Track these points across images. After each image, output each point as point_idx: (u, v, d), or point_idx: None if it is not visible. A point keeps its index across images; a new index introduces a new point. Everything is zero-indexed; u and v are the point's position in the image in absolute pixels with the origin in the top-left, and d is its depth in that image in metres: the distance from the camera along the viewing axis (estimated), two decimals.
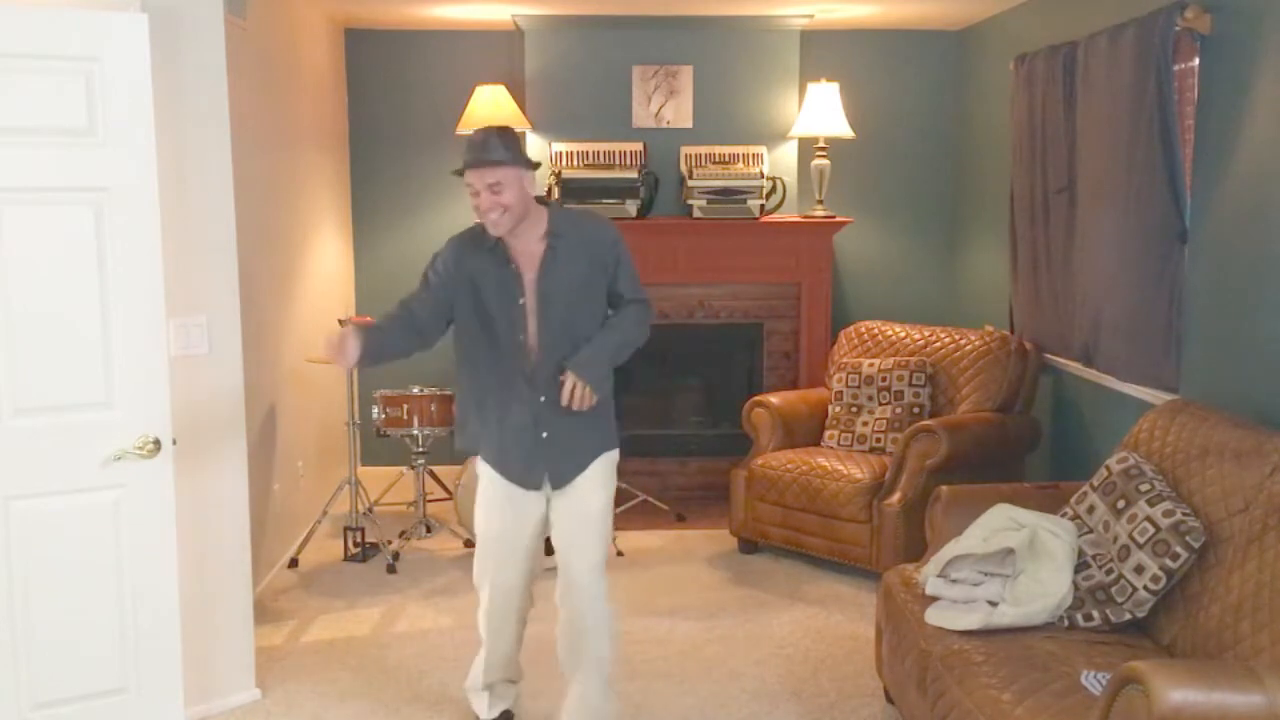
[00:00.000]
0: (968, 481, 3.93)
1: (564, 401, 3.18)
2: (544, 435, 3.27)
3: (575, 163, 5.96)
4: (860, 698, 3.80)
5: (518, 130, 5.99)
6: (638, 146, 6.01)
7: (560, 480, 3.31)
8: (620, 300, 3.38)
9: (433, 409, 5.18)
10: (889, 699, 3.67)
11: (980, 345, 5.15)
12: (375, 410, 5.20)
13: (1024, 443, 4.96)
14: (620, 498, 5.65)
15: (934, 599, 3.30)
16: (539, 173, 6.02)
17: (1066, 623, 3.13)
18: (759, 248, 5.96)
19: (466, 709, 3.70)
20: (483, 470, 3.39)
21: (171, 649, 3.20)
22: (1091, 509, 3.35)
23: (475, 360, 3.32)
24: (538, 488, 3.32)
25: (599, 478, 3.35)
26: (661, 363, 6.30)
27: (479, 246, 3.27)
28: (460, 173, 3.21)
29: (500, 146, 3.14)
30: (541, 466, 3.30)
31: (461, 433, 3.46)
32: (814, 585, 4.86)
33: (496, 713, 3.57)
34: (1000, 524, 3.34)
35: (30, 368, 2.95)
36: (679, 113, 6.12)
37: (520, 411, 3.27)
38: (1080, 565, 3.21)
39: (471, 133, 3.23)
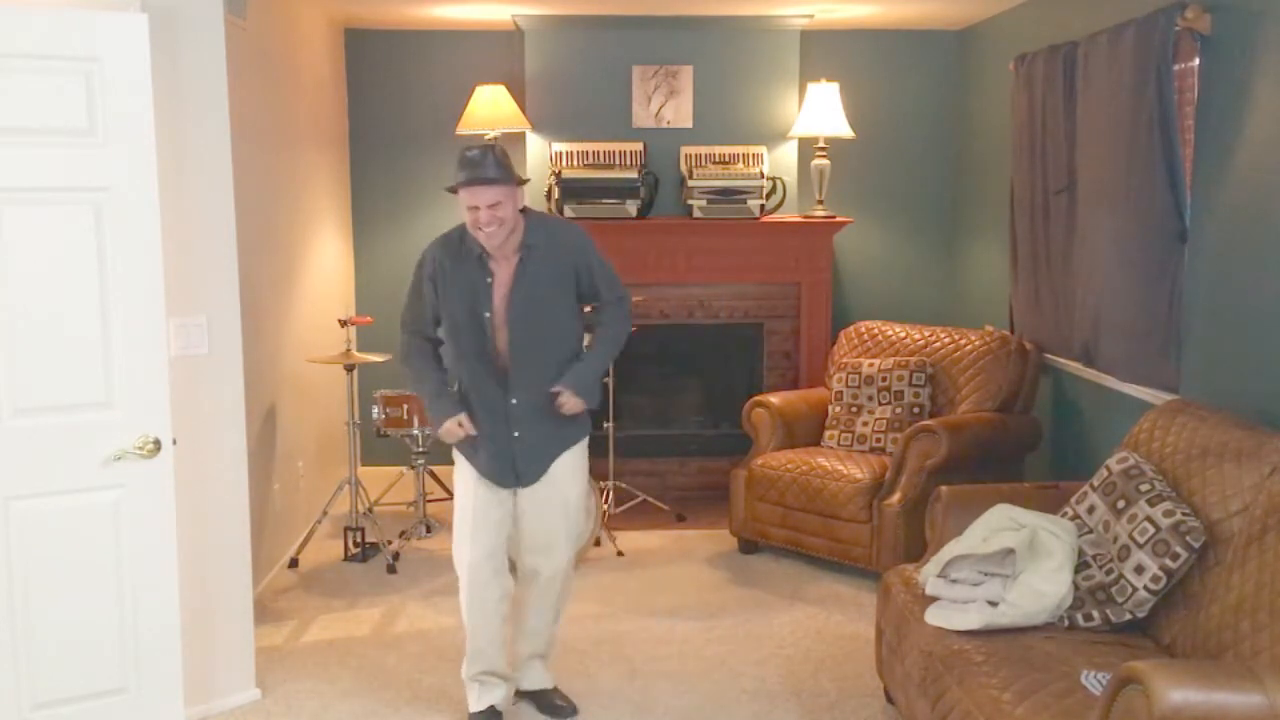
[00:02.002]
0: (968, 481, 3.93)
1: (563, 412, 3.41)
2: (515, 435, 3.43)
3: (575, 163, 5.96)
4: (860, 698, 3.80)
5: (505, 143, 6.01)
6: (638, 146, 6.01)
7: (530, 478, 3.47)
8: (599, 298, 3.53)
9: None
10: (889, 699, 3.67)
11: (980, 345, 5.15)
12: (375, 410, 5.20)
13: (1024, 443, 4.96)
14: (620, 498, 5.67)
15: (934, 599, 3.30)
16: (539, 174, 6.07)
17: (1066, 623, 3.13)
18: (759, 248, 5.96)
19: (463, 709, 3.70)
20: (458, 457, 3.51)
21: (171, 649, 3.20)
22: (1091, 509, 3.35)
23: (455, 356, 3.46)
24: (509, 486, 3.47)
25: (569, 468, 3.52)
26: (661, 363, 6.30)
27: (461, 253, 3.42)
28: (454, 190, 3.33)
29: (495, 165, 3.29)
30: (510, 467, 3.45)
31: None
32: (814, 585, 4.86)
33: (483, 706, 3.59)
34: (1000, 524, 3.34)
35: (30, 368, 2.95)
36: (679, 113, 6.12)
37: (492, 412, 3.42)
38: (1080, 565, 3.21)
39: (466, 151, 3.36)
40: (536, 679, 3.72)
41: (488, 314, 3.38)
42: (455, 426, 3.38)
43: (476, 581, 3.50)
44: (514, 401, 3.40)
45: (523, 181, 3.38)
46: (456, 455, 3.52)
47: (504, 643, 3.61)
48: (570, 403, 3.41)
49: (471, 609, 3.54)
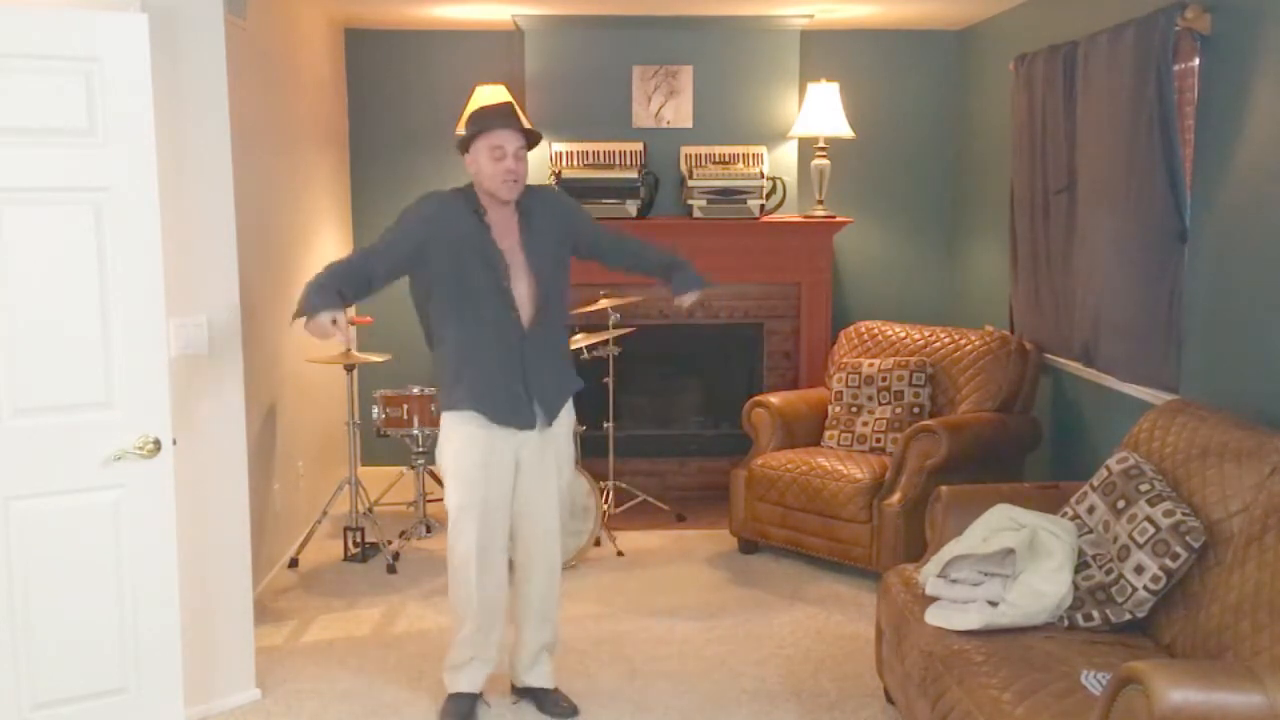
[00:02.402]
0: (968, 481, 3.93)
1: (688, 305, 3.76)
2: (529, 374, 3.44)
3: (575, 163, 5.96)
4: (860, 698, 3.80)
5: None
6: (638, 146, 6.01)
7: (548, 415, 3.48)
8: (609, 245, 3.69)
9: (433, 409, 5.17)
10: (889, 699, 3.67)
11: (980, 345, 5.15)
12: (375, 410, 5.20)
13: (1024, 443, 4.97)
14: (620, 498, 5.67)
15: (934, 599, 3.30)
16: (539, 174, 6.07)
17: (1066, 623, 3.13)
18: (759, 248, 5.96)
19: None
20: (461, 427, 3.44)
21: (171, 649, 3.20)
22: (1091, 509, 3.35)
23: (462, 316, 3.42)
24: (532, 425, 3.45)
25: (567, 426, 3.60)
26: (661, 363, 6.30)
27: (459, 211, 3.42)
28: (473, 137, 3.36)
29: (521, 120, 3.38)
30: (527, 406, 3.44)
31: (450, 392, 3.47)
32: (814, 585, 4.86)
33: (477, 688, 3.61)
34: (1000, 524, 3.34)
35: (30, 368, 2.95)
36: (679, 113, 6.12)
37: (509, 358, 3.42)
38: (1080, 565, 3.21)
39: (484, 108, 3.45)
40: (542, 675, 3.70)
41: (504, 265, 3.39)
42: (329, 321, 3.21)
43: (486, 560, 3.46)
44: (528, 344, 3.42)
45: (532, 145, 3.45)
46: (459, 423, 3.44)
47: (503, 627, 3.62)
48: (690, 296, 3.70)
49: (483, 585, 3.48)
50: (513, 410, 3.42)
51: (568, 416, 3.59)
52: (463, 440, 3.44)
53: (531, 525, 3.57)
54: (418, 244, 3.41)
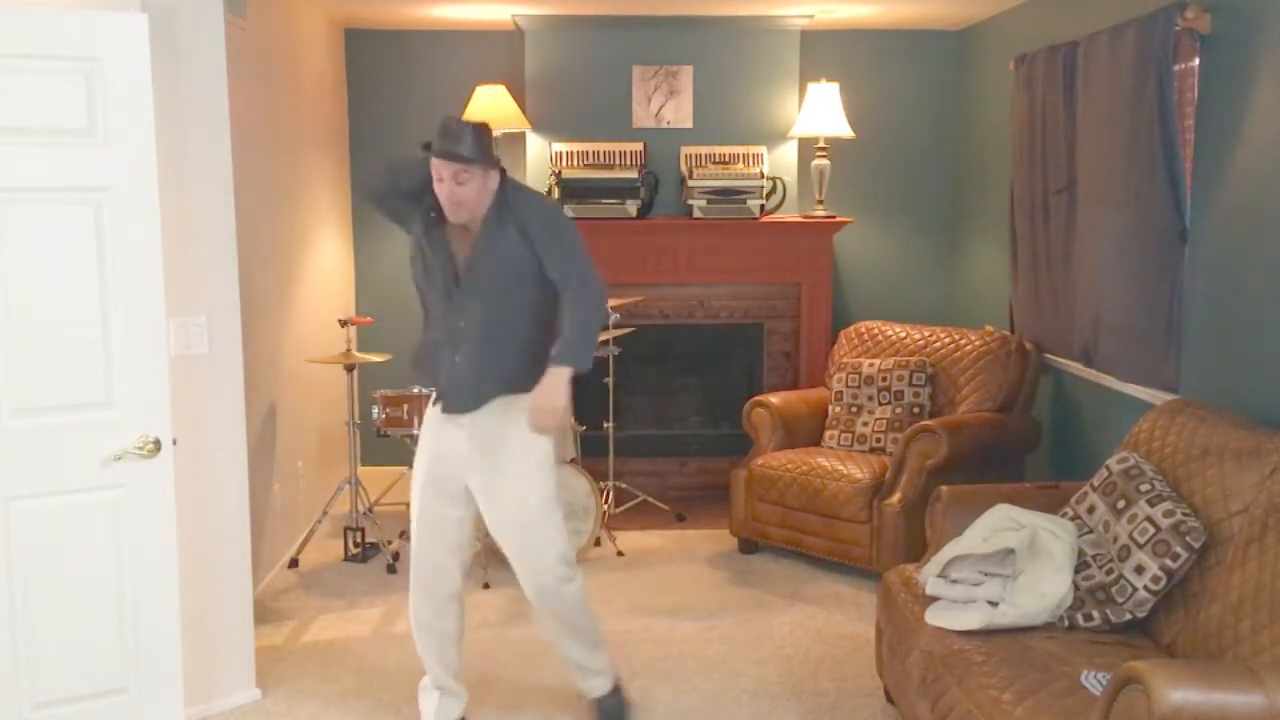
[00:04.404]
0: (968, 481, 3.93)
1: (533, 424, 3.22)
2: (456, 359, 3.30)
3: (575, 163, 5.96)
4: (860, 698, 3.80)
5: (506, 143, 6.00)
6: (638, 146, 6.01)
7: (470, 402, 3.30)
8: (551, 275, 3.25)
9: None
10: (889, 699, 3.67)
11: (980, 345, 5.15)
12: (375, 410, 5.20)
13: (1024, 443, 4.96)
14: (620, 498, 5.67)
15: (934, 599, 3.30)
16: (539, 174, 6.07)
17: (1066, 623, 3.13)
18: (759, 248, 5.96)
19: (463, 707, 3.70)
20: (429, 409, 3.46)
21: (171, 649, 3.20)
22: (1092, 509, 3.35)
23: (425, 305, 3.40)
24: (460, 410, 3.32)
25: (521, 446, 3.33)
26: (661, 363, 6.30)
27: (430, 211, 3.32)
28: (427, 148, 3.20)
29: (473, 144, 3.14)
30: (456, 389, 3.32)
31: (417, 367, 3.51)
32: (814, 585, 4.86)
33: None
34: (1000, 524, 3.34)
35: (30, 368, 2.95)
36: (679, 113, 6.12)
37: (450, 348, 3.33)
38: (1080, 565, 3.21)
39: (450, 119, 3.20)
40: (602, 681, 3.61)
41: (452, 276, 3.28)
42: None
43: (421, 568, 3.43)
44: (456, 359, 3.28)
45: (498, 165, 3.24)
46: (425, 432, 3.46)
47: (457, 653, 3.52)
48: (539, 416, 3.18)
49: (419, 602, 3.44)
50: (445, 392, 3.34)
51: (514, 429, 3.28)
52: (421, 439, 3.49)
53: (504, 544, 3.42)
54: (416, 188, 3.29)
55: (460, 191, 3.16)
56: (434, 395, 3.44)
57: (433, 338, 3.37)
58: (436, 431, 3.41)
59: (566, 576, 3.37)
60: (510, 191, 3.29)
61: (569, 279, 3.23)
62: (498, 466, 3.33)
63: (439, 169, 3.17)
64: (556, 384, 3.15)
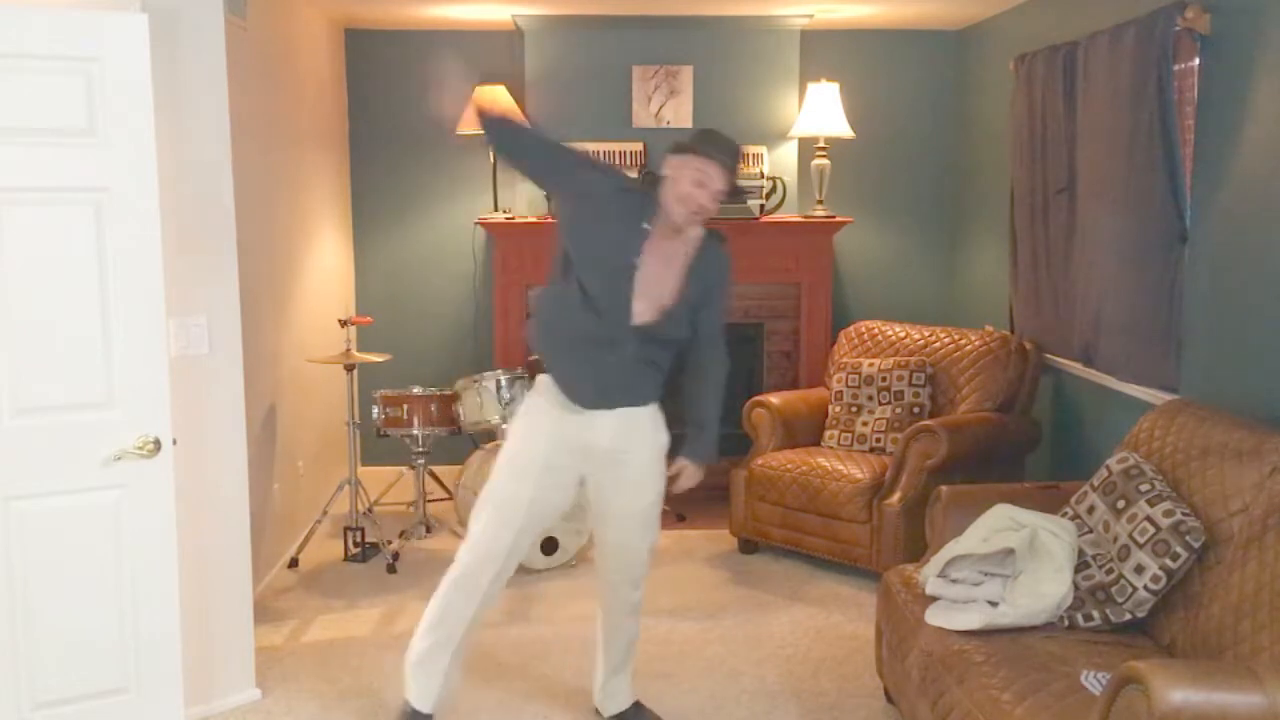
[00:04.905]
0: (968, 481, 3.93)
1: (678, 486, 3.40)
2: (611, 380, 3.27)
3: None
4: (860, 698, 3.80)
5: None
6: (638, 146, 6.01)
7: (613, 402, 3.29)
8: (706, 331, 3.32)
9: (433, 409, 5.18)
10: (889, 699, 3.67)
11: (980, 345, 5.15)
12: (375, 410, 5.21)
13: (1024, 443, 4.96)
14: None
15: (934, 599, 3.30)
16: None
17: (1066, 623, 3.13)
18: (759, 248, 5.96)
19: (463, 710, 3.70)
20: (537, 399, 3.33)
21: (171, 649, 3.20)
22: (1091, 509, 3.35)
23: (570, 297, 3.21)
24: (590, 406, 3.27)
25: (657, 449, 3.43)
26: None
27: (631, 208, 3.17)
28: (692, 150, 3.09)
29: (738, 167, 3.18)
30: (592, 388, 3.26)
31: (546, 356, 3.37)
32: (814, 585, 4.86)
33: (431, 708, 3.44)
34: (1000, 524, 3.34)
35: (30, 368, 2.95)
36: (679, 113, 6.12)
37: (590, 350, 3.24)
38: (1080, 565, 3.21)
39: (710, 130, 3.19)
40: (626, 695, 3.61)
41: (634, 260, 3.14)
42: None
43: (501, 553, 3.31)
44: (612, 360, 3.21)
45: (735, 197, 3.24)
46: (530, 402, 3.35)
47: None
48: (688, 477, 3.40)
49: (486, 583, 3.33)
50: (596, 389, 3.25)
51: (656, 433, 3.38)
52: (531, 422, 3.32)
53: (618, 532, 3.43)
54: (582, 188, 3.20)
55: (712, 206, 3.11)
56: (554, 385, 3.27)
57: (583, 329, 3.20)
58: (558, 422, 3.27)
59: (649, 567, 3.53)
60: (717, 234, 3.32)
61: (716, 339, 3.38)
62: (635, 464, 3.34)
63: (706, 172, 3.07)
64: (702, 468, 3.43)
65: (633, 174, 5.85)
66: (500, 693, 3.85)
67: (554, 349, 3.32)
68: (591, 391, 3.25)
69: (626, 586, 3.50)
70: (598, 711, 3.65)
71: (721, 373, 3.42)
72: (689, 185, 3.09)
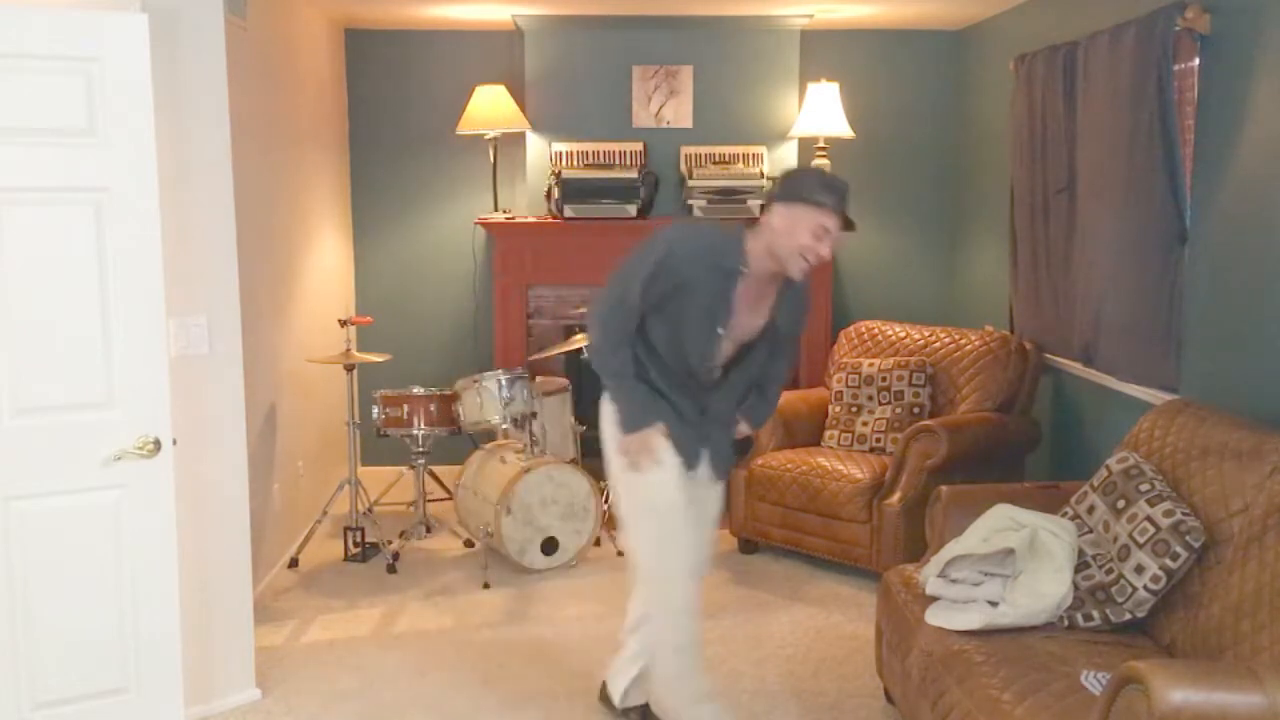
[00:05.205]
0: (968, 481, 3.93)
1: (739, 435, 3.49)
2: (703, 432, 3.36)
3: (575, 163, 5.97)
4: (860, 698, 3.80)
5: (504, 143, 5.99)
6: (638, 146, 6.01)
7: (703, 462, 3.39)
8: (775, 352, 3.41)
9: (433, 409, 5.18)
10: (889, 699, 3.67)
11: (980, 345, 5.15)
12: (375, 410, 5.20)
13: (1024, 443, 4.96)
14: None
15: (934, 599, 3.30)
16: (539, 174, 6.07)
17: (1066, 623, 3.12)
18: None
19: (463, 710, 3.70)
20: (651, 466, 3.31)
21: (171, 649, 3.20)
22: (1091, 509, 3.35)
23: (658, 355, 3.25)
24: (693, 468, 3.35)
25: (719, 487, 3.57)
26: None
27: (717, 261, 3.13)
28: (808, 200, 3.02)
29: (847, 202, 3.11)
30: (694, 451, 3.34)
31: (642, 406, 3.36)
32: (814, 585, 4.85)
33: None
34: (1000, 524, 3.34)
35: (30, 368, 2.95)
36: (679, 113, 6.12)
37: (685, 407, 3.31)
38: (1080, 565, 3.21)
39: (834, 177, 3.11)
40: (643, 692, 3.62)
41: (721, 330, 3.17)
42: (658, 435, 3.23)
43: (690, 586, 3.35)
44: (706, 411, 3.33)
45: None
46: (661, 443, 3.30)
47: None
48: (744, 429, 3.50)
49: (692, 613, 3.36)
50: (685, 454, 3.32)
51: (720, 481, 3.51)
52: (656, 472, 3.28)
53: (706, 533, 3.54)
54: (676, 284, 3.12)
55: (831, 249, 3.07)
56: (642, 418, 3.28)
57: (682, 371, 3.25)
58: (687, 501, 3.35)
59: None
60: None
61: (792, 352, 3.55)
62: (718, 478, 3.48)
63: (826, 224, 3.02)
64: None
65: (633, 174, 5.86)
66: (500, 693, 3.85)
67: (645, 394, 3.30)
68: (710, 422, 3.36)
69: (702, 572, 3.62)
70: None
71: (786, 373, 3.56)
72: (809, 238, 3.03)
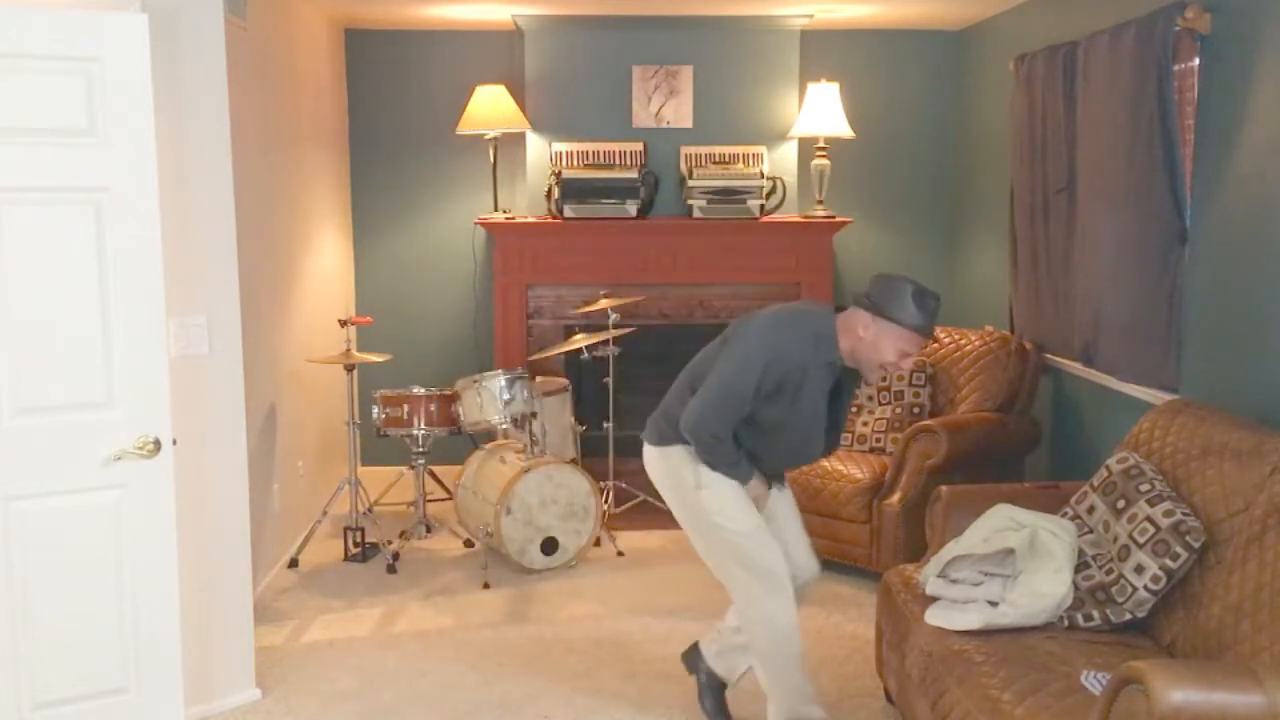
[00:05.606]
0: (968, 481, 3.93)
1: None
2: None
3: (575, 163, 5.97)
4: (860, 697, 3.80)
5: (504, 143, 5.99)
6: (638, 146, 6.01)
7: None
8: (842, 384, 3.48)
9: (433, 409, 5.17)
10: (889, 699, 3.67)
11: (980, 345, 5.15)
12: (375, 410, 5.20)
13: (1024, 443, 4.96)
14: (620, 497, 5.67)
15: (934, 599, 3.30)
16: (539, 174, 6.07)
17: (1066, 623, 3.12)
18: (759, 248, 5.96)
19: (463, 710, 3.70)
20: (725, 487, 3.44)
21: (171, 649, 3.20)
22: (1091, 509, 3.35)
23: (761, 436, 3.36)
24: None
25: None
26: (661, 363, 6.28)
27: (821, 359, 3.24)
28: (903, 323, 3.13)
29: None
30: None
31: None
32: (814, 585, 4.84)
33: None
34: (1000, 524, 3.34)
35: (30, 368, 2.95)
36: (679, 113, 6.12)
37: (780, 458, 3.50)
38: (1080, 565, 3.21)
39: (929, 296, 3.20)
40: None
41: (825, 408, 3.32)
42: (763, 485, 3.43)
43: (783, 569, 3.46)
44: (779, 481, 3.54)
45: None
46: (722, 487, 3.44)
47: None
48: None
49: (793, 622, 3.43)
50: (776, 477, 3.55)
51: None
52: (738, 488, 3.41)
53: (800, 541, 3.71)
54: (781, 382, 3.22)
55: (908, 366, 3.25)
56: (752, 476, 3.42)
57: (777, 450, 3.41)
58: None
59: None
60: None
61: (849, 392, 3.53)
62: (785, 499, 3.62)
63: (916, 346, 3.17)
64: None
65: (633, 174, 5.86)
66: (500, 693, 3.85)
67: (746, 464, 3.42)
68: (777, 477, 3.56)
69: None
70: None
71: (849, 405, 3.71)
72: (894, 356, 3.15)
